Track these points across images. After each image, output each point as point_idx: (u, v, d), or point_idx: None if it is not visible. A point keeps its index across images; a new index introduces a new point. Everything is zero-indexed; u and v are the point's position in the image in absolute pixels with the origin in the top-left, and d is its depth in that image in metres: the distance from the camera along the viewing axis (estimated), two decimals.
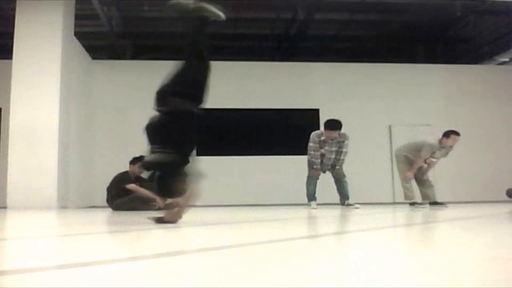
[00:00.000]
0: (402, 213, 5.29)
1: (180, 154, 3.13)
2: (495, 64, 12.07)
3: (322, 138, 6.47)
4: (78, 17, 8.47)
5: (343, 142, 6.49)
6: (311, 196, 6.56)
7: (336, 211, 5.57)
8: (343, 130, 6.49)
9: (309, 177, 6.64)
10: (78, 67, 8.75)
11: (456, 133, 6.53)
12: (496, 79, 11.12)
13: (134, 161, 6.56)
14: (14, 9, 7.54)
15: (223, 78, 10.39)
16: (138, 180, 6.53)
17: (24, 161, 7.09)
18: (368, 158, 10.03)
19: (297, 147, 8.39)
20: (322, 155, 6.53)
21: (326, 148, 6.49)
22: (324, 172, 6.72)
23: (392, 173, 9.62)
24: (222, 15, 3.26)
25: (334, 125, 6.42)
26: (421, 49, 11.75)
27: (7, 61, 7.74)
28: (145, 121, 3.20)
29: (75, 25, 8.35)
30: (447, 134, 6.56)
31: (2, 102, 8.54)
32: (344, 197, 6.66)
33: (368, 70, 10.80)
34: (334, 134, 6.40)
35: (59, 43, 7.52)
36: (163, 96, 3.19)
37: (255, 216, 4.62)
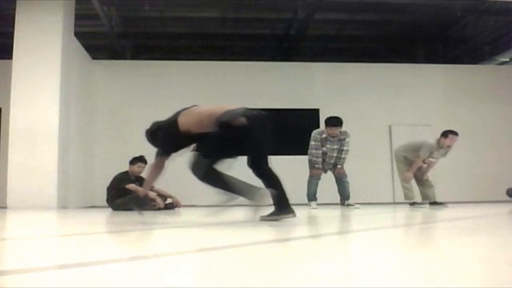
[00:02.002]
0: (402, 213, 5.28)
1: None
2: (495, 64, 12.07)
3: (324, 135, 6.48)
4: (78, 17, 8.47)
5: (344, 140, 6.50)
6: (312, 196, 6.56)
7: (336, 211, 5.57)
8: (343, 128, 6.51)
9: (310, 176, 6.62)
10: (78, 67, 8.75)
11: (454, 133, 6.53)
12: (496, 79, 11.11)
13: (134, 161, 6.56)
14: (14, 9, 7.54)
15: (223, 78, 10.40)
16: (138, 180, 6.52)
17: (24, 161, 7.10)
18: (368, 158, 10.02)
19: (297, 147, 8.38)
20: (324, 154, 6.53)
21: (328, 146, 6.49)
22: (326, 172, 6.71)
23: (392, 173, 9.62)
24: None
25: (335, 122, 6.43)
26: (421, 49, 11.76)
27: (7, 61, 7.75)
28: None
29: (75, 25, 8.35)
30: (445, 134, 6.57)
31: (2, 102, 8.55)
32: (344, 198, 6.67)
33: (368, 70, 10.80)
34: (336, 131, 6.41)
35: (59, 43, 7.52)
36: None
37: (255, 216, 4.61)
